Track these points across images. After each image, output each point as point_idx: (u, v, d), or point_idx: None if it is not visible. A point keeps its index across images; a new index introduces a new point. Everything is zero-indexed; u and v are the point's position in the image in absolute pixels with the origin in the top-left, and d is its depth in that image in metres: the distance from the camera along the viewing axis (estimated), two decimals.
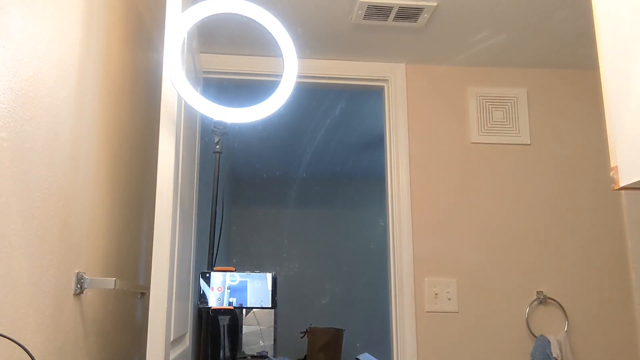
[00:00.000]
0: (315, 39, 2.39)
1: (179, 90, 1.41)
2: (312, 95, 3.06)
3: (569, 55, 2.52)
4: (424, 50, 2.50)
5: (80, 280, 1.12)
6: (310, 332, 3.90)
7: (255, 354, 3.71)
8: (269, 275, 1.12)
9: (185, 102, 1.46)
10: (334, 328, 3.89)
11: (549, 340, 2.34)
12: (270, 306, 1.12)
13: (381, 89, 2.64)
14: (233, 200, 5.11)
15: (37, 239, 0.94)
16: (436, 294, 2.37)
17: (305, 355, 3.98)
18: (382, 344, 4.89)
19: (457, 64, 2.60)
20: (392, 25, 2.24)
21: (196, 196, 2.03)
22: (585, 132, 2.58)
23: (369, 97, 3.23)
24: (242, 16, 1.45)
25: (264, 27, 1.47)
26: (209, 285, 1.07)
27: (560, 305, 2.43)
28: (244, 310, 3.65)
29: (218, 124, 1.48)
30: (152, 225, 1.35)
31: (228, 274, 1.09)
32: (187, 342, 1.87)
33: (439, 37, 2.37)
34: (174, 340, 1.49)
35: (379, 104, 2.70)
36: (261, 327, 4.43)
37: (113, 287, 1.16)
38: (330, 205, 5.36)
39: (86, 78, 1.19)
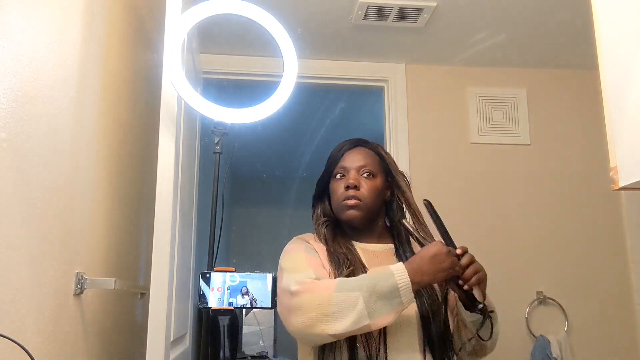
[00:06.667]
0: (315, 40, 2.39)
1: (178, 91, 1.41)
2: (312, 95, 3.05)
3: (569, 56, 2.52)
4: (424, 51, 2.50)
5: (80, 281, 1.12)
6: None
7: (255, 354, 3.70)
8: (269, 276, 1.12)
9: (185, 102, 1.47)
10: None
11: (549, 340, 2.33)
12: (270, 306, 1.12)
13: (381, 89, 2.64)
14: (233, 200, 5.09)
15: (37, 239, 0.94)
16: None
17: None
18: None
19: (457, 64, 2.59)
20: (392, 25, 2.24)
21: (196, 196, 2.03)
22: (584, 132, 2.58)
23: (368, 97, 3.23)
24: (242, 17, 1.45)
25: (264, 28, 1.47)
26: (208, 286, 1.07)
27: (560, 305, 2.43)
28: (244, 310, 3.64)
29: (218, 124, 1.48)
30: (152, 225, 1.35)
31: (228, 274, 1.09)
32: (187, 342, 1.87)
33: (438, 37, 2.36)
34: (174, 340, 1.49)
35: (379, 104, 2.70)
36: (261, 327, 4.42)
37: (113, 287, 1.16)
38: None
39: (86, 78, 1.19)
